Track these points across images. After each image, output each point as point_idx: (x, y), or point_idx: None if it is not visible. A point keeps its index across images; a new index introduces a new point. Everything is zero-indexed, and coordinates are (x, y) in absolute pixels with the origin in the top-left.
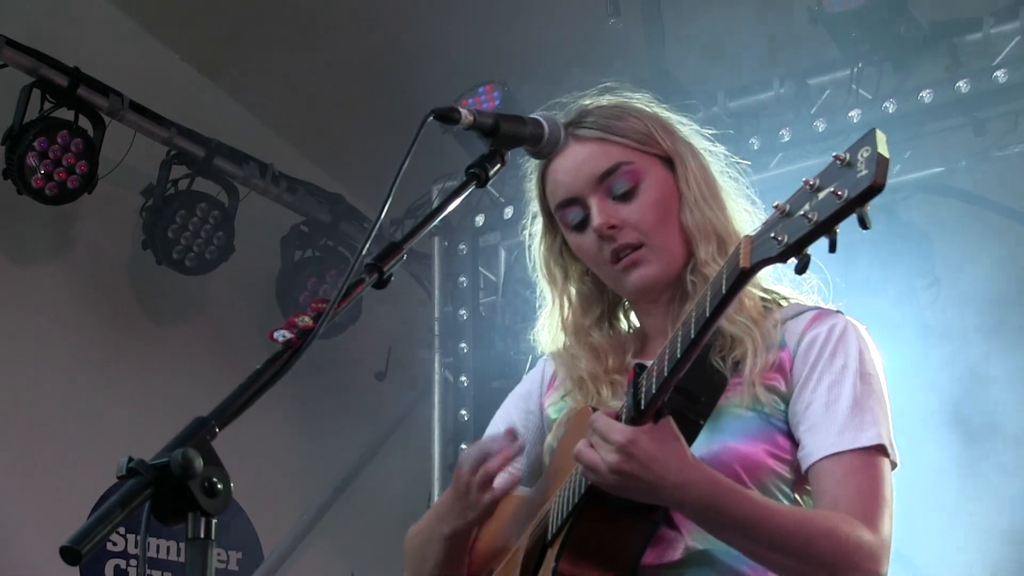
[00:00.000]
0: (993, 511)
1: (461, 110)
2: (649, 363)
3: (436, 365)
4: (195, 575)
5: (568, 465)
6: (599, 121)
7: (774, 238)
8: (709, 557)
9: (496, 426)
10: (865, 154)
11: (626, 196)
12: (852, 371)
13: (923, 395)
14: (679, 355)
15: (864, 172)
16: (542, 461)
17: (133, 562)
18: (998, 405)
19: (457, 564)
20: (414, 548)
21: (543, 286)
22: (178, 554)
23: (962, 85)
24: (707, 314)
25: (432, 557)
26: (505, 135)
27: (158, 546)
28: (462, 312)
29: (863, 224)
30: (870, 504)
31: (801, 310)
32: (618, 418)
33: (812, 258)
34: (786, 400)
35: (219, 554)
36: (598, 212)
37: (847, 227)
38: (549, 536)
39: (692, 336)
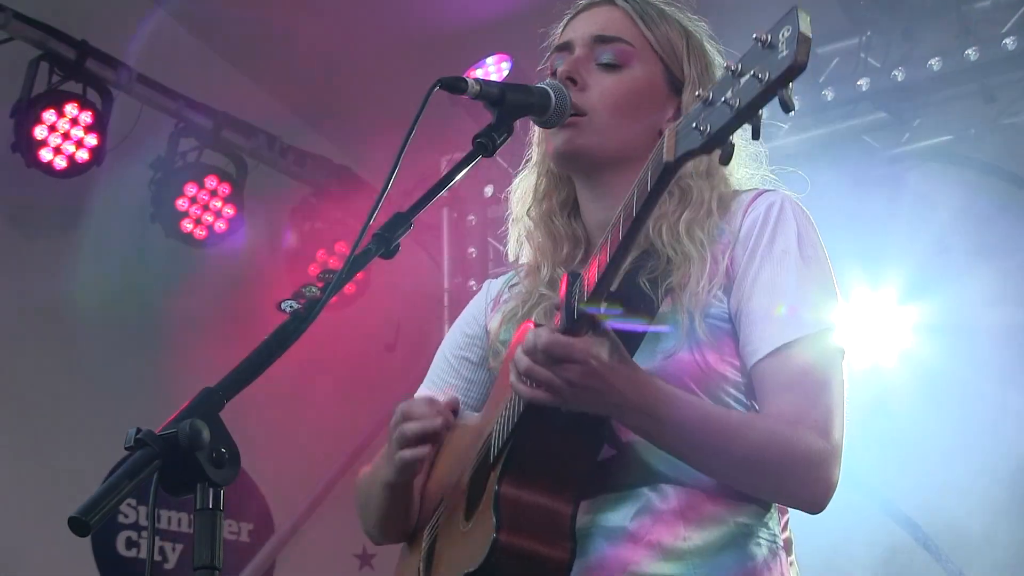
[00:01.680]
0: None
1: (467, 80)
2: (571, 269)
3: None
4: (204, 545)
5: (508, 388)
6: (639, 4)
7: (696, 128)
8: (641, 461)
9: (441, 355)
10: (786, 33)
11: (607, 68)
12: (792, 255)
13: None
14: (608, 259)
15: (785, 52)
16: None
17: (144, 534)
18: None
19: (398, 510)
20: (360, 491)
21: (534, 147)
22: (189, 525)
23: (971, 53)
24: (634, 214)
25: (374, 502)
26: (512, 105)
27: (169, 518)
28: (471, 283)
29: (785, 107)
30: (816, 405)
31: (740, 193)
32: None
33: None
34: (728, 293)
35: (230, 525)
36: (570, 62)
37: (858, 190)
38: (491, 459)
39: (620, 238)
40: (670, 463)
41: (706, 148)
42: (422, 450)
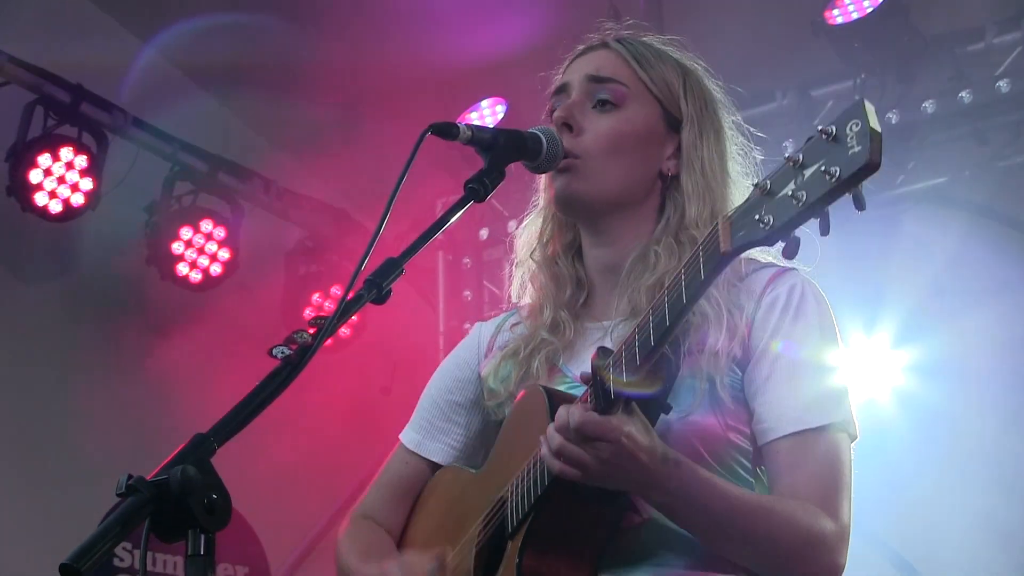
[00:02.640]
0: None
1: (459, 125)
2: (605, 340)
3: None
4: None
5: (522, 451)
6: (634, 46)
7: (758, 220)
8: (659, 528)
9: (429, 398)
10: (855, 128)
11: (602, 110)
12: (813, 341)
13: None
14: (652, 343)
15: (857, 149)
16: (487, 437)
17: None
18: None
19: None
20: (340, 564)
21: (541, 194)
22: (184, 570)
23: (965, 95)
24: (684, 300)
25: None
26: (503, 150)
27: (165, 561)
28: (467, 326)
29: (859, 205)
30: (831, 489)
31: (760, 266)
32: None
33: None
34: (743, 368)
35: (225, 568)
36: (565, 107)
37: (852, 232)
38: (509, 529)
39: (667, 323)
40: (687, 538)
41: (769, 241)
42: None
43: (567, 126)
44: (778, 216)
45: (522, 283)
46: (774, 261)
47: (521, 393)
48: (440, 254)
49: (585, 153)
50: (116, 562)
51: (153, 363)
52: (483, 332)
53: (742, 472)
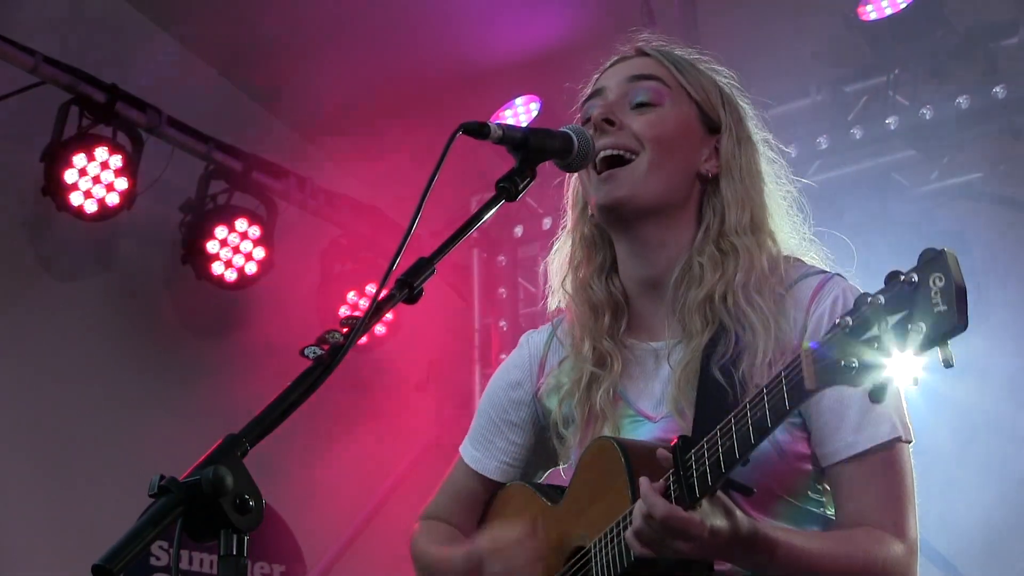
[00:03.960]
0: None
1: (490, 125)
2: (662, 364)
3: (476, 376)
4: None
5: (601, 503)
6: (671, 54)
7: (845, 365)
8: None
9: (485, 415)
10: (939, 283)
11: (642, 107)
12: None
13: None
14: (737, 455)
15: (943, 308)
16: (545, 455)
17: None
18: None
19: None
20: (420, 563)
21: (568, 211)
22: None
23: (999, 90)
24: (768, 424)
25: None
26: (534, 149)
27: (201, 560)
28: (502, 323)
29: (946, 364)
30: (896, 508)
31: (804, 273)
32: (669, 496)
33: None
34: None
35: (262, 567)
36: (604, 104)
37: (888, 228)
38: None
39: (752, 442)
40: None
41: (857, 382)
42: None
43: (608, 122)
44: (864, 363)
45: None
46: (817, 264)
47: (596, 443)
48: (475, 252)
49: (641, 145)
50: (152, 561)
51: (188, 362)
52: (532, 349)
53: (813, 496)
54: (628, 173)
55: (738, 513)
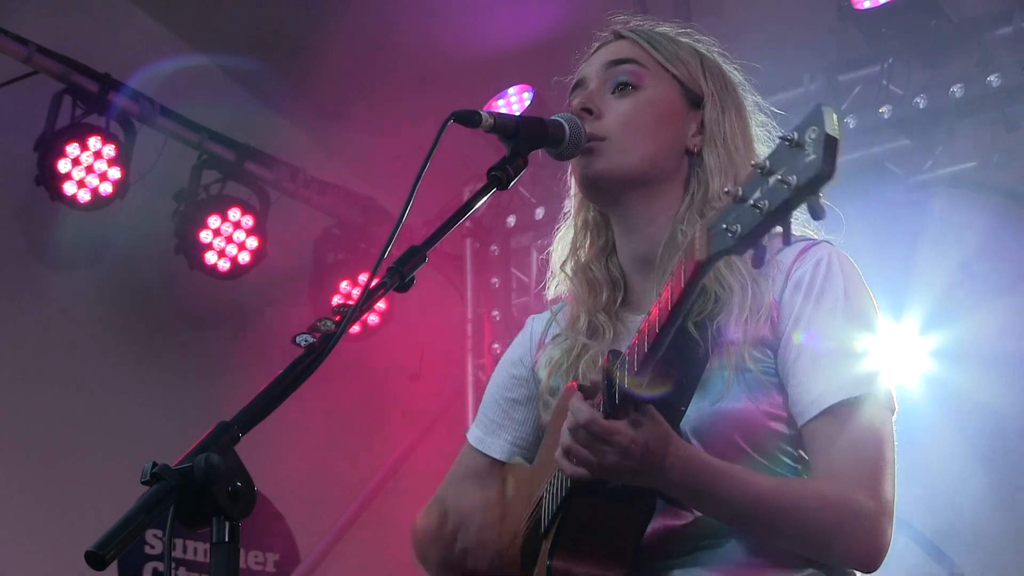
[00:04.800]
0: None
1: (481, 113)
2: (612, 350)
3: (469, 366)
4: None
5: (556, 449)
6: (647, 33)
7: (726, 229)
8: (716, 524)
9: (490, 395)
10: (812, 135)
11: (622, 91)
12: (840, 313)
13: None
14: (647, 349)
15: (812, 157)
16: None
17: (164, 567)
18: None
19: None
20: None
21: (571, 201)
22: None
23: (993, 79)
24: (669, 308)
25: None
26: (526, 137)
27: (195, 548)
28: (495, 313)
29: (815, 214)
30: (867, 464)
31: (792, 240)
32: (599, 408)
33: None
34: (774, 349)
35: (256, 556)
36: (584, 94)
37: (881, 217)
38: (542, 528)
39: (657, 331)
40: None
41: (738, 250)
42: None
43: (587, 111)
44: (744, 224)
45: (558, 291)
46: (808, 234)
47: (562, 391)
48: (467, 241)
49: (608, 133)
50: (147, 549)
51: (181, 351)
52: (535, 327)
53: (787, 460)
54: (607, 145)
55: (665, 425)
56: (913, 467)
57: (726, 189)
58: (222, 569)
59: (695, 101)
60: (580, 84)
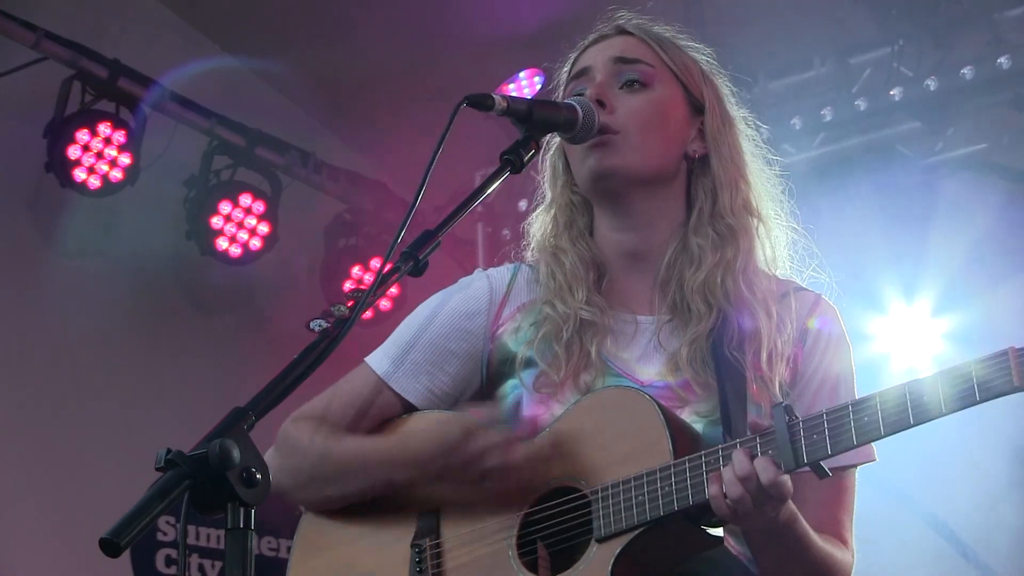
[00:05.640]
0: None
1: (495, 96)
2: (650, 338)
3: None
4: (235, 565)
5: (619, 455)
6: (651, 31)
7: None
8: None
9: (417, 336)
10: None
11: (631, 88)
12: (846, 379)
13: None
14: (855, 443)
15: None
16: (472, 394)
17: (178, 553)
18: None
19: (365, 499)
20: (331, 459)
21: (546, 185)
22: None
23: (1003, 61)
24: (880, 431)
25: (353, 483)
26: (539, 121)
27: (208, 535)
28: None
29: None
30: (847, 523)
31: (796, 286)
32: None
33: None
34: (791, 389)
35: (269, 542)
36: (596, 85)
37: (892, 199)
38: (601, 532)
39: (911, 422)
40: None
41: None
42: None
43: (600, 103)
44: None
45: (541, 264)
46: (793, 279)
47: (619, 393)
48: (479, 226)
49: (621, 128)
50: (159, 536)
51: (192, 337)
52: (494, 286)
53: None
54: (621, 140)
55: None
56: (923, 451)
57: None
58: (237, 554)
59: (697, 107)
60: (584, 73)
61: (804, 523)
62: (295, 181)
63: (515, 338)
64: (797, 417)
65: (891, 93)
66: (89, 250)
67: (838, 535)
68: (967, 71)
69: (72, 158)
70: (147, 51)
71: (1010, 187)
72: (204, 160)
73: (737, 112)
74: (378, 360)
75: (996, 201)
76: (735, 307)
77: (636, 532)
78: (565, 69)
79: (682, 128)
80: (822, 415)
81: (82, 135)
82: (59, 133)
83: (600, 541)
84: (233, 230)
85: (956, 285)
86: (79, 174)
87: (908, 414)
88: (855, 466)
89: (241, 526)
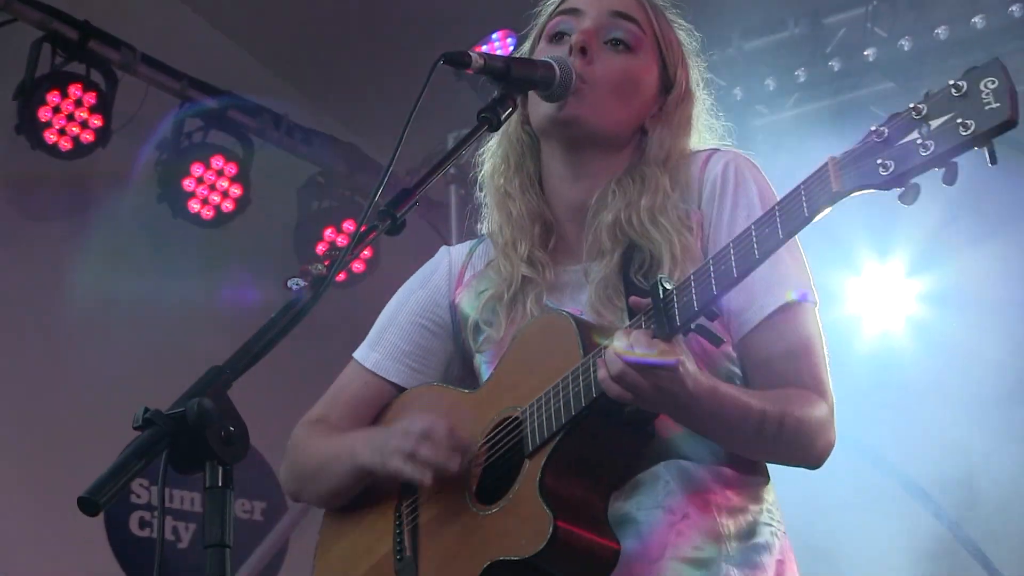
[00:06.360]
0: None
1: (472, 54)
2: (584, 283)
3: None
4: (214, 523)
5: (540, 373)
6: None
7: (880, 164)
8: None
9: (393, 320)
10: (991, 85)
11: (615, 48)
12: (744, 217)
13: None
14: (735, 275)
15: (995, 105)
16: (450, 364)
17: (157, 513)
18: None
19: (354, 490)
20: (310, 453)
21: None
22: (201, 505)
23: (978, 21)
24: (779, 236)
25: (334, 476)
26: (516, 79)
27: (181, 497)
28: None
29: (992, 160)
30: (813, 369)
31: (693, 154)
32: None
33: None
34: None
35: (243, 504)
36: (584, 32)
37: None
38: (529, 448)
39: (756, 257)
40: (689, 445)
41: (888, 185)
42: (427, 477)
43: (583, 51)
44: (901, 162)
45: (489, 213)
46: (710, 146)
47: (541, 317)
48: (452, 188)
49: (595, 83)
50: (133, 499)
51: (164, 300)
52: (453, 259)
53: (736, 380)
54: (589, 91)
55: (693, 359)
56: (899, 411)
57: (872, 128)
58: (217, 513)
59: (667, 85)
60: (574, 13)
61: (729, 388)
62: (268, 144)
63: (470, 304)
64: (671, 287)
65: (865, 53)
66: (60, 213)
67: (805, 385)
68: (941, 31)
69: (43, 120)
70: (118, 13)
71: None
72: (176, 122)
73: (704, 97)
74: (361, 351)
75: (970, 162)
76: (641, 239)
77: (556, 440)
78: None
79: (648, 102)
80: (689, 276)
81: (53, 97)
82: (30, 95)
83: (529, 457)
84: (205, 192)
85: (931, 246)
86: (50, 136)
87: (754, 253)
88: (793, 305)
89: (220, 484)
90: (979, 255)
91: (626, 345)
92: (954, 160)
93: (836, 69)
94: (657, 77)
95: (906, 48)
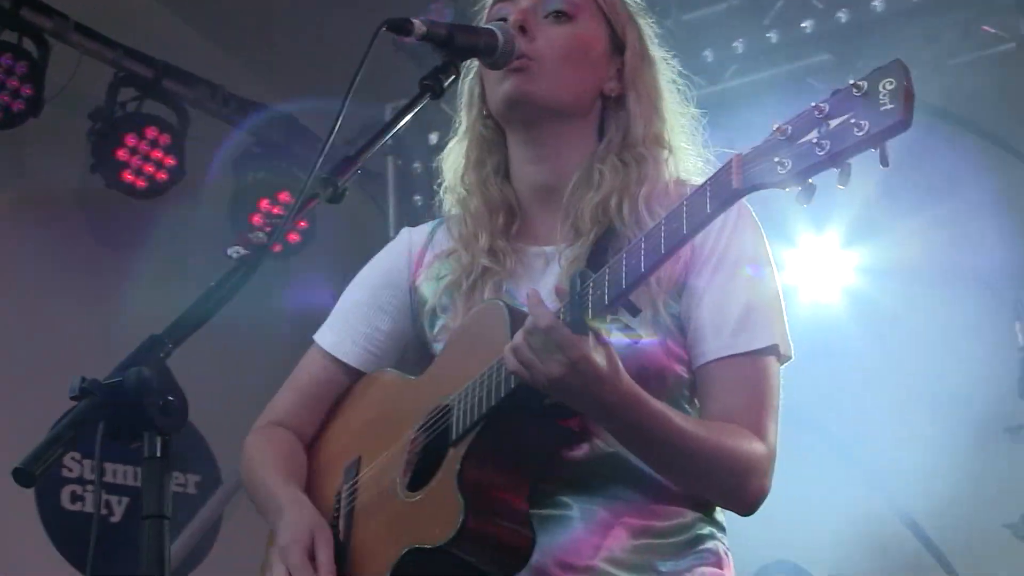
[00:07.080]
0: None
1: (414, 21)
2: (551, 265)
3: None
4: (152, 494)
5: (474, 362)
6: None
7: (777, 163)
8: (614, 460)
9: (352, 302)
10: (888, 86)
11: (556, 20)
12: (746, 265)
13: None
14: (643, 269)
15: (889, 107)
16: (409, 348)
17: (89, 487)
18: None
19: None
20: (251, 485)
21: (462, 112)
22: (135, 479)
23: None
24: (684, 231)
25: (263, 513)
26: (459, 46)
27: (115, 471)
28: None
29: (884, 162)
30: (760, 413)
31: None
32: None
33: None
34: (680, 292)
35: (177, 477)
36: (520, 11)
37: None
38: (453, 436)
39: (662, 252)
40: (643, 473)
41: (784, 184)
42: None
43: (521, 29)
44: (797, 162)
45: (451, 207)
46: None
47: (479, 307)
48: (389, 159)
49: (540, 57)
50: (64, 472)
51: (101, 271)
52: (413, 240)
53: (683, 403)
54: (537, 67)
55: (618, 362)
56: (834, 382)
57: (775, 126)
58: (154, 484)
59: (618, 47)
60: None
61: (660, 405)
62: (203, 114)
63: (429, 288)
64: (590, 278)
65: (803, 25)
66: None
67: (748, 425)
68: (878, 3)
69: None
70: None
71: (919, 120)
72: (110, 92)
73: (658, 52)
74: (321, 332)
75: (906, 134)
76: (627, 225)
77: (477, 429)
78: None
79: (601, 65)
80: (604, 268)
81: None
82: None
83: (453, 446)
84: (140, 163)
85: (866, 217)
86: None
87: (660, 246)
88: (763, 352)
89: (158, 455)
90: (914, 226)
91: (530, 326)
92: (849, 161)
93: (773, 41)
94: (606, 38)
95: (843, 20)
